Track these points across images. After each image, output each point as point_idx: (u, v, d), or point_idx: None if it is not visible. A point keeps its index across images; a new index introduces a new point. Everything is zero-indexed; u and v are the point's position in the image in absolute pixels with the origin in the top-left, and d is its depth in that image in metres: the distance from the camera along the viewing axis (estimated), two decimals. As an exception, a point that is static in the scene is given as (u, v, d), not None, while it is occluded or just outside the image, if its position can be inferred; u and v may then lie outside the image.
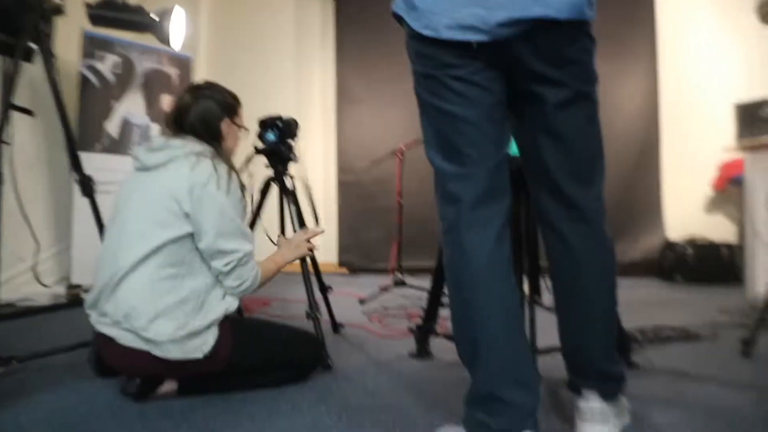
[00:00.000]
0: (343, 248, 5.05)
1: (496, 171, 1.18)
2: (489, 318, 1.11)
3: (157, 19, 3.22)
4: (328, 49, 5.13)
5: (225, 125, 1.75)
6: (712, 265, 3.94)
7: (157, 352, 1.48)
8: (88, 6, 2.99)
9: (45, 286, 3.52)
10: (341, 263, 5.03)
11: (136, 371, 1.59)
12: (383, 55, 4.78)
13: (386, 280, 3.83)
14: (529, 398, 1.10)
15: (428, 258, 4.40)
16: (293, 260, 1.93)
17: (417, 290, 3.50)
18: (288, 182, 2.27)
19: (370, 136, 4.85)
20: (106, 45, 3.97)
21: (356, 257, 5.00)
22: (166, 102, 4.27)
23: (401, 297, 3.43)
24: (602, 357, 1.27)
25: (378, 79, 4.89)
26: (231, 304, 1.62)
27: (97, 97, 3.92)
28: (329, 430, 1.38)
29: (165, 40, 3.26)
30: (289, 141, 2.25)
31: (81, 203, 3.75)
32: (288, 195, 2.25)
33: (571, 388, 1.30)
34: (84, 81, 3.86)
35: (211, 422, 1.44)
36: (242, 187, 1.69)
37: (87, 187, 2.09)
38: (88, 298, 1.63)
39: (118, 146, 3.99)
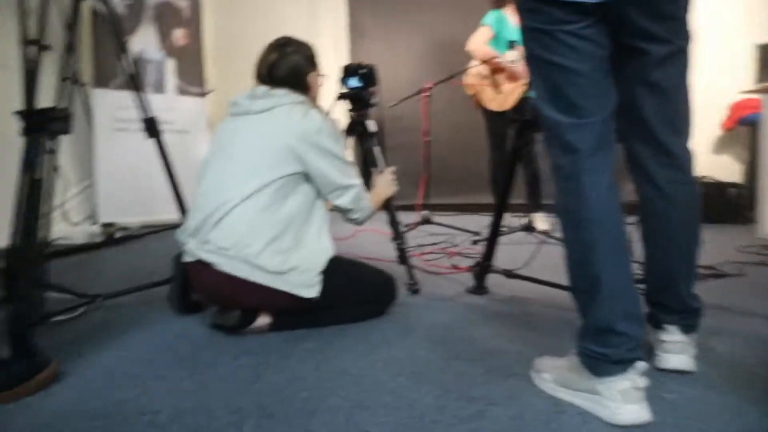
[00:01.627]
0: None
1: (607, 120, 1.24)
2: (609, 258, 1.19)
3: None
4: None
5: (311, 77, 1.87)
6: (720, 205, 4.07)
7: (264, 280, 1.57)
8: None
9: (74, 224, 3.54)
10: (362, 201, 5.09)
11: (231, 300, 1.67)
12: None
13: (410, 217, 3.90)
14: (639, 330, 1.20)
15: (450, 195, 4.53)
16: (389, 196, 2.16)
17: (444, 227, 3.61)
18: (370, 125, 2.37)
19: (387, 71, 4.74)
20: (116, -26, 3.78)
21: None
22: (179, 36, 4.15)
23: (429, 235, 3.52)
24: (687, 293, 1.38)
25: (390, 12, 4.78)
26: (329, 249, 1.74)
27: (109, 32, 3.77)
28: (430, 362, 1.47)
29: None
30: (370, 87, 2.34)
31: (102, 141, 3.71)
32: (372, 136, 2.37)
33: (652, 322, 1.41)
34: (94, 14, 3.71)
35: (317, 354, 1.53)
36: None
37: (153, 129, 2.07)
38: (185, 227, 1.72)
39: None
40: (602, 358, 1.18)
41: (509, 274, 2.13)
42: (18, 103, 1.76)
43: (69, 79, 1.78)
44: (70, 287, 2.04)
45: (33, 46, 2.59)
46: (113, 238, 3.38)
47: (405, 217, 4.04)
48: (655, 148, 1.31)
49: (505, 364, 1.44)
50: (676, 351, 1.36)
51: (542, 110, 1.27)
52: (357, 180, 1.83)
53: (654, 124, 1.29)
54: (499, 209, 2.11)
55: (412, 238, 3.39)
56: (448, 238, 3.35)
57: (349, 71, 2.35)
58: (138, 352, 1.56)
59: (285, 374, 1.40)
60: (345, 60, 4.95)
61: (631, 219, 1.31)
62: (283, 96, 1.74)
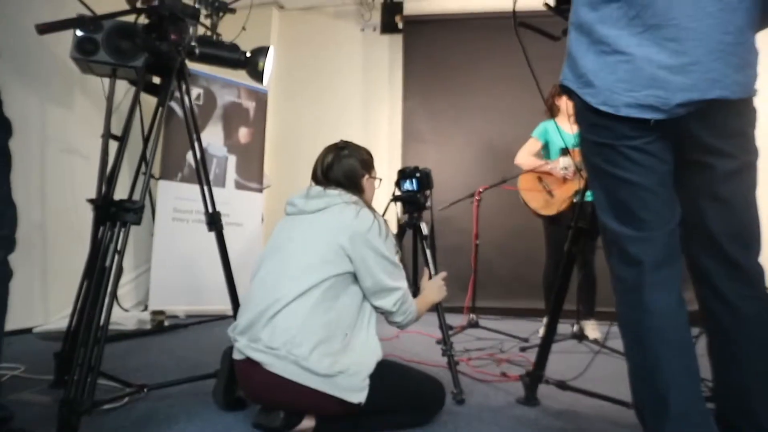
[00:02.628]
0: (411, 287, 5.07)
1: (672, 234, 1.24)
2: (678, 378, 1.14)
3: (250, 56, 3.36)
4: (396, 85, 5.24)
5: (365, 180, 1.94)
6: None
7: (312, 383, 1.54)
8: (187, 43, 3.16)
9: (125, 309, 3.63)
10: (407, 302, 5.05)
11: (277, 401, 1.63)
12: (450, 93, 4.90)
13: (456, 320, 3.83)
14: None
15: (501, 299, 4.46)
16: (438, 302, 2.15)
17: (490, 331, 3.52)
18: (424, 228, 2.43)
19: (436, 175, 4.89)
20: (191, 79, 4.12)
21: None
22: (243, 134, 4.41)
23: (476, 339, 3.43)
24: (766, 418, 1.28)
25: (443, 118, 4.99)
26: (377, 351, 1.71)
27: (180, 127, 4.06)
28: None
29: (258, 77, 3.38)
30: (425, 190, 2.44)
31: (161, 230, 3.88)
32: (424, 239, 2.40)
33: None
34: (170, 112, 4.02)
35: (358, 463, 1.46)
36: (393, 234, 1.88)
37: (216, 223, 2.15)
38: (237, 324, 1.72)
39: (196, 176, 4.11)
40: None
41: (562, 385, 2.03)
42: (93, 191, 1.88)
43: (145, 173, 1.87)
44: (117, 374, 2.06)
45: (114, 140, 2.81)
46: (162, 325, 3.43)
47: (451, 320, 4.00)
48: (723, 262, 1.28)
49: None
50: None
51: (603, 221, 1.28)
52: (403, 283, 1.81)
53: (722, 238, 1.26)
54: (553, 315, 2.05)
55: (459, 342, 3.32)
56: (495, 343, 3.24)
57: (406, 174, 2.45)
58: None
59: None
60: (398, 163, 5.12)
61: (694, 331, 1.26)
62: (337, 196, 1.80)
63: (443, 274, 2.21)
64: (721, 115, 1.17)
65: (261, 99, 4.56)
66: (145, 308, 3.77)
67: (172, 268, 3.86)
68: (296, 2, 5.43)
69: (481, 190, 3.68)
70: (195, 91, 4.14)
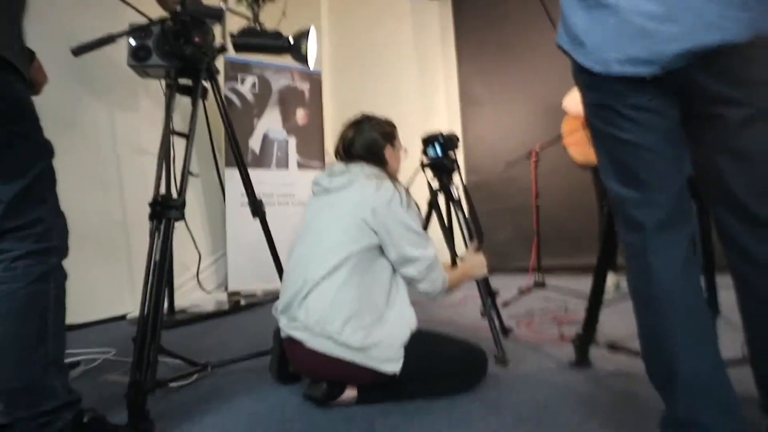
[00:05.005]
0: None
1: (678, 194, 1.17)
2: (685, 346, 1.10)
3: (292, 41, 3.42)
4: (449, 51, 5.14)
5: (388, 151, 1.95)
6: None
7: (348, 356, 1.62)
8: (232, 36, 3.27)
9: (207, 292, 3.91)
10: (473, 264, 5.04)
11: (320, 374, 1.73)
12: (504, 54, 4.74)
13: (523, 280, 3.80)
14: (729, 422, 1.06)
15: (567, 257, 4.35)
16: (477, 278, 2.16)
17: (558, 292, 3.45)
18: (454, 192, 2.44)
19: (495, 136, 4.83)
20: (245, 68, 4.28)
21: (490, 257, 4.97)
22: (301, 116, 4.53)
23: (542, 299, 3.39)
24: None
25: (499, 80, 4.85)
26: (412, 321, 1.73)
27: (240, 116, 4.25)
28: (512, 444, 1.41)
29: (303, 60, 3.45)
30: (450, 153, 2.42)
31: (232, 215, 4.11)
32: (455, 204, 2.42)
33: (764, 408, 1.23)
34: (228, 103, 4.20)
35: (394, 431, 1.53)
36: (416, 204, 1.88)
37: (258, 210, 2.28)
38: (277, 305, 1.83)
39: (260, 160, 4.30)
40: None
41: (613, 346, 1.98)
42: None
43: (188, 171, 1.98)
44: (192, 355, 2.25)
45: (179, 136, 2.96)
46: (239, 305, 3.66)
47: (518, 281, 3.96)
48: (748, 221, 1.15)
49: (591, 452, 1.34)
50: None
51: (607, 184, 1.23)
52: (429, 251, 1.81)
53: (743, 196, 1.14)
54: (599, 271, 1.98)
55: (525, 303, 3.30)
56: (561, 303, 3.18)
57: (428, 141, 2.45)
58: (232, 421, 1.67)
59: (360, 451, 1.42)
60: (459, 128, 5.06)
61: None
62: (359, 171, 1.83)
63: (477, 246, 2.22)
64: (730, 62, 1.04)
65: (315, 80, 4.64)
66: (226, 290, 4.04)
67: (246, 250, 4.09)
68: (343, -23, 5.42)
69: (537, 149, 3.58)
70: (249, 80, 4.29)
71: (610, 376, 1.92)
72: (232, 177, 4.15)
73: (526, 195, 3.83)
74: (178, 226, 3.28)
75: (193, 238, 3.41)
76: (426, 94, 5.25)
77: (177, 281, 3.65)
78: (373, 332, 1.66)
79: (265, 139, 4.34)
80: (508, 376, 1.97)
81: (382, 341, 1.66)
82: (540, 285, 3.56)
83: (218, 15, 2.07)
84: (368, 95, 5.38)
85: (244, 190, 4.09)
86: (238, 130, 4.21)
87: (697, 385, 1.07)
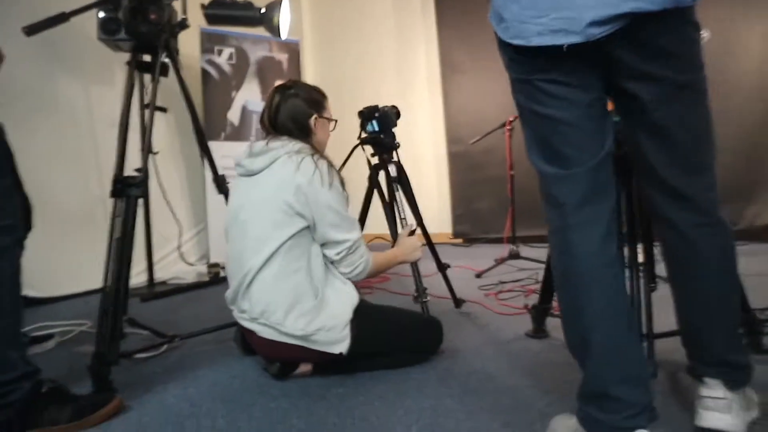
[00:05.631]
0: (457, 218, 5.10)
1: (598, 169, 1.17)
2: (598, 319, 1.13)
3: (264, 11, 3.38)
4: (429, 16, 5.06)
5: (313, 120, 1.84)
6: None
7: (295, 342, 1.66)
8: (203, 6, 3.24)
9: (190, 264, 3.96)
10: (455, 234, 5.10)
11: (275, 357, 1.78)
12: (485, 22, 4.67)
13: (501, 251, 3.85)
14: (640, 395, 1.10)
15: (542, 227, 4.37)
16: (404, 263, 2.09)
17: (532, 262, 3.51)
18: (392, 170, 2.38)
19: (478, 105, 4.80)
20: (222, 39, 4.25)
21: (470, 227, 5.04)
22: (280, 87, 4.52)
23: (517, 270, 3.45)
24: (724, 345, 1.25)
25: (481, 47, 4.78)
26: (353, 298, 1.75)
27: (218, 88, 4.24)
28: (451, 413, 1.47)
29: (275, 32, 3.42)
30: (390, 129, 2.36)
31: (213, 188, 4.12)
32: (394, 182, 2.37)
33: (692, 374, 1.29)
34: (205, 75, 4.18)
35: (345, 400, 1.59)
36: (342, 180, 1.80)
37: (222, 186, 2.30)
38: (227, 295, 1.84)
39: (239, 133, 4.30)
40: (597, 423, 1.11)
41: (567, 317, 2.03)
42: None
43: (144, 150, 2.00)
44: (164, 326, 2.31)
45: (158, 110, 2.96)
46: (218, 276, 3.72)
47: (493, 251, 4.02)
48: (668, 193, 1.21)
49: (526, 420, 1.40)
50: (718, 409, 1.22)
51: (532, 161, 1.24)
52: (351, 234, 1.76)
53: (660, 167, 1.19)
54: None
55: (498, 274, 3.36)
56: (532, 274, 3.24)
57: (365, 115, 2.38)
58: (194, 390, 1.73)
59: (309, 418, 1.48)
60: (439, 97, 5.04)
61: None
62: (280, 148, 1.73)
63: (413, 227, 2.18)
64: (646, 32, 1.05)
65: (293, 50, 4.61)
66: (207, 262, 4.09)
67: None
68: (323, -58, 5.32)
69: (511, 119, 3.58)
70: (227, 51, 4.26)
71: (563, 345, 1.97)
72: (212, 150, 4.17)
73: (503, 167, 3.85)
74: (158, 200, 3.34)
75: (172, 211, 3.45)
76: (407, 62, 5.21)
77: (158, 254, 3.70)
78: (315, 318, 1.67)
79: (244, 111, 4.33)
80: (465, 347, 2.03)
81: (324, 325, 1.67)
82: (515, 256, 3.61)
83: (174, -8, 2.06)
84: (348, 64, 5.34)
85: (224, 163, 4.15)
86: (216, 102, 4.22)
87: (610, 359, 1.11)
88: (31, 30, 1.70)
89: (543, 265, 3.29)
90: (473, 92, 4.90)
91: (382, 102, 2.46)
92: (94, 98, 3.64)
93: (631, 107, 1.17)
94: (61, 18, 1.75)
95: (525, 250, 3.68)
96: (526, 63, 1.16)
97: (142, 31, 1.97)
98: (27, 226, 2.05)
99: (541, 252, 3.79)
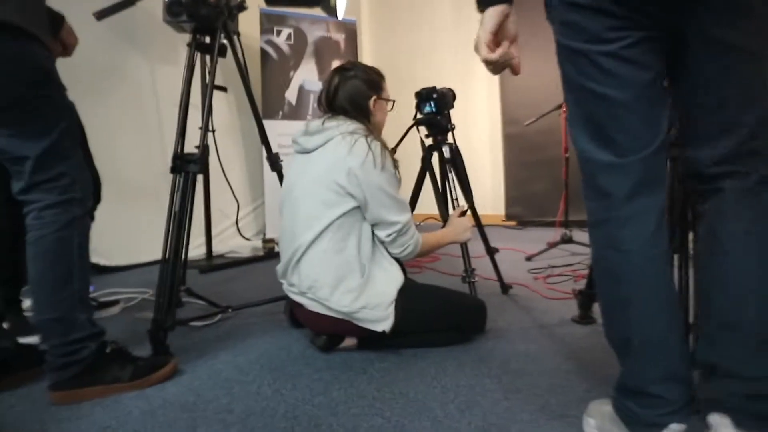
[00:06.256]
0: (510, 200, 5.04)
1: (653, 159, 1.08)
2: (644, 317, 1.08)
3: (322, -8, 3.42)
4: (489, -4, 4.96)
5: (372, 102, 1.87)
6: None
7: (341, 317, 1.72)
8: (262, -13, 3.31)
9: (246, 239, 4.11)
10: (508, 216, 5.04)
11: (321, 330, 1.85)
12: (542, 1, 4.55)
13: (554, 234, 3.80)
14: (681, 393, 1.07)
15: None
16: (454, 243, 2.10)
17: (585, 246, 3.44)
18: (446, 151, 2.38)
19: (534, 85, 4.69)
20: (281, 20, 4.32)
21: (523, 210, 4.97)
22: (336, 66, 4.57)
23: (569, 254, 3.39)
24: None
25: (539, 26, 4.64)
26: (398, 278, 1.79)
27: (276, 68, 4.33)
28: (489, 392, 1.49)
29: (332, 12, 3.45)
30: (446, 111, 2.35)
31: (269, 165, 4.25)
32: (447, 163, 2.37)
33: (706, 407, 1.08)
34: (264, 55, 4.27)
35: (386, 375, 1.64)
36: (394, 161, 1.82)
37: (275, 164, 2.38)
38: (278, 269, 1.92)
39: (296, 112, 4.39)
40: (633, 416, 1.11)
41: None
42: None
43: (203, 128, 2.09)
44: (218, 297, 2.43)
45: (218, 89, 3.07)
46: (272, 251, 3.85)
47: (546, 234, 3.96)
48: (714, 158, 1.07)
49: (563, 403, 1.41)
50: None
51: (575, 141, 1.15)
52: (402, 216, 1.78)
53: (713, 131, 1.06)
54: None
55: (549, 258, 3.32)
56: (583, 259, 3.18)
57: (423, 97, 2.37)
58: (243, 358, 1.83)
59: (349, 391, 1.53)
60: (495, 79, 4.95)
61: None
62: (335, 128, 1.77)
63: (464, 208, 2.19)
64: None
65: (350, 30, 4.63)
66: (263, 237, 4.24)
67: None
68: None
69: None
70: (285, 32, 4.34)
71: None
72: (269, 129, 4.27)
73: (561, 148, 3.77)
74: (218, 175, 3.47)
75: (231, 187, 3.57)
76: (463, 43, 5.13)
77: (216, 228, 3.87)
78: (360, 295, 1.72)
79: (301, 91, 4.41)
80: (509, 329, 2.04)
81: (369, 303, 1.72)
82: (567, 240, 3.55)
83: (234, -25, 2.12)
84: (405, 44, 5.32)
85: (281, 141, 4.26)
86: (274, 82, 4.31)
87: (651, 356, 1.08)
88: (101, 14, 1.80)
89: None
90: (530, 73, 4.73)
91: (439, 83, 2.46)
92: (159, 77, 3.81)
93: (702, 77, 1.04)
94: (129, 2, 1.84)
95: (578, 235, 3.61)
96: (581, 29, 1.05)
97: (202, 14, 2.04)
98: (96, 198, 2.21)
99: (595, 237, 3.71)
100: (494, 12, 1.13)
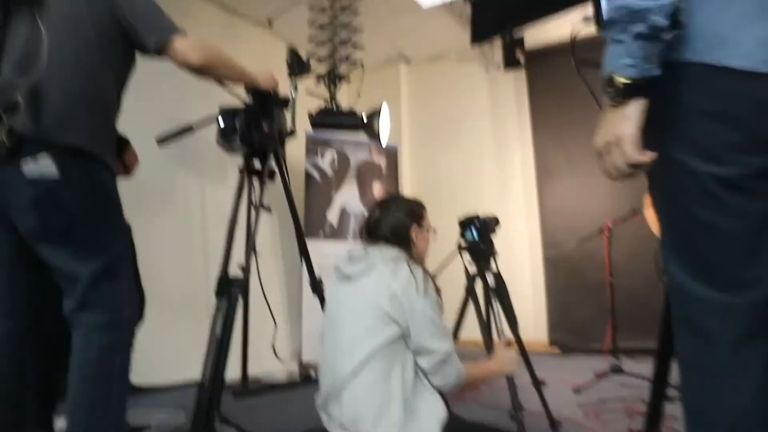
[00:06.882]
0: (553, 326, 4.86)
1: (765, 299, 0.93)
2: None
3: (366, 119, 3.61)
4: (524, 121, 5.16)
5: (414, 231, 1.88)
6: None
7: None
8: (310, 115, 3.52)
9: (282, 361, 4.01)
10: (551, 342, 4.84)
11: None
12: (580, 124, 4.67)
13: (601, 363, 3.60)
14: None
15: (647, 338, 4.06)
16: (499, 375, 2.00)
17: (637, 378, 3.22)
18: (490, 279, 2.35)
19: (573, 209, 4.72)
20: (325, 143, 4.54)
21: (567, 336, 4.77)
22: (378, 189, 4.70)
23: (620, 386, 3.18)
24: None
25: (576, 150, 4.79)
26: (442, 412, 1.68)
27: (319, 189, 4.48)
28: None
29: (375, 138, 3.62)
30: (489, 237, 2.35)
31: (309, 286, 4.25)
32: (491, 291, 2.33)
33: None
34: (308, 176, 4.44)
35: None
36: (437, 288, 1.78)
37: (318, 288, 2.37)
38: (317, 398, 1.83)
39: (337, 233, 4.46)
40: None
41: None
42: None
43: (248, 248, 2.12)
44: (254, 425, 2.33)
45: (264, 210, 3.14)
46: (309, 377, 3.74)
47: (593, 363, 3.75)
48: None
49: None
50: None
51: (668, 269, 1.01)
52: (444, 344, 1.71)
53: None
54: (661, 357, 1.78)
55: (599, 390, 3.11)
56: (637, 392, 2.96)
57: (465, 224, 2.40)
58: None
59: None
60: (535, 200, 5.01)
61: None
62: (377, 255, 1.77)
63: (509, 340, 2.08)
64: None
65: (391, 154, 4.82)
66: (300, 359, 4.13)
67: (321, 320, 4.19)
68: (421, 54, 5.66)
69: (609, 225, 3.46)
70: (329, 154, 4.54)
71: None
72: (310, 248, 4.34)
73: (605, 271, 3.69)
74: (256, 294, 3.48)
75: (269, 307, 3.55)
76: (503, 166, 5.27)
77: (251, 349, 3.79)
78: (403, 429, 1.61)
79: (343, 212, 4.52)
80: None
81: None
82: (617, 370, 3.34)
83: (285, 103, 2.25)
84: (445, 168, 5.48)
85: (321, 261, 4.29)
86: (317, 202, 4.44)
87: None
88: (163, 140, 1.91)
89: (649, 383, 3.05)
90: (569, 196, 4.83)
91: (479, 205, 2.51)
92: (207, 195, 3.97)
93: None
94: (188, 129, 1.96)
95: (628, 364, 3.40)
96: (706, 137, 0.90)
97: (255, 141, 2.15)
98: (140, 316, 2.21)
99: (646, 367, 3.48)
100: (641, 105, 0.95)
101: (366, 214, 4.40)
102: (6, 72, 1.52)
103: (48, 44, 1.50)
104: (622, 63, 0.92)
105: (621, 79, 0.93)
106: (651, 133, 0.95)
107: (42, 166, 1.45)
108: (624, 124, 0.96)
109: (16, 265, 1.60)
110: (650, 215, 3.27)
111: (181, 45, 1.64)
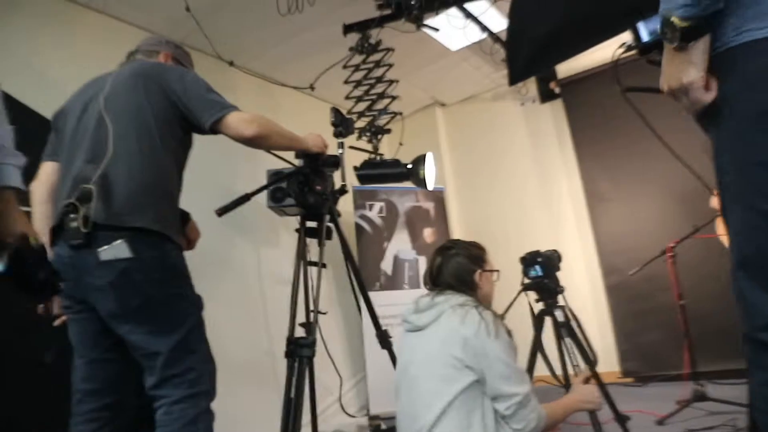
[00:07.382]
0: (623, 355, 4.66)
1: None
2: None
3: (410, 166, 3.66)
4: (568, 151, 5.12)
5: (477, 275, 1.89)
6: None
7: None
8: (355, 168, 3.60)
9: (350, 416, 3.99)
10: (624, 372, 4.64)
11: None
12: (625, 147, 4.62)
13: (680, 390, 3.42)
14: None
15: (730, 360, 3.84)
16: (581, 411, 1.95)
17: (724, 404, 3.04)
18: (559, 314, 2.31)
19: (629, 232, 4.59)
20: (372, 194, 4.62)
21: (640, 364, 4.56)
22: (428, 234, 4.72)
23: (706, 414, 3.00)
24: None
25: (624, 173, 4.71)
26: None
27: (370, 241, 4.53)
28: None
29: (422, 184, 3.66)
30: (553, 273, 2.31)
31: (370, 337, 4.24)
32: (561, 327, 2.29)
33: None
34: (359, 229, 4.51)
35: None
36: (507, 330, 1.78)
37: (385, 341, 2.38)
38: None
39: (393, 282, 4.48)
40: None
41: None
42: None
43: (313, 310, 2.16)
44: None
45: (311, 265, 3.22)
46: (379, 430, 3.69)
47: (672, 390, 3.56)
48: None
49: None
50: None
51: (736, 279, 0.97)
52: (521, 387, 1.68)
53: None
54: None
55: (683, 420, 2.96)
56: (728, 420, 2.80)
57: (528, 261, 2.39)
58: None
59: None
60: (588, 228, 4.91)
61: None
62: (444, 302, 1.78)
63: (588, 375, 2.05)
64: None
65: (438, 197, 4.86)
66: (367, 413, 4.10)
67: (386, 372, 4.14)
68: (455, 96, 5.75)
69: (672, 245, 3.36)
70: (377, 205, 4.61)
71: None
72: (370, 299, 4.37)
73: (669, 294, 3.56)
74: (320, 350, 3.51)
75: (333, 362, 3.57)
76: (551, 197, 5.21)
77: (320, 406, 3.79)
78: None
79: (396, 260, 4.54)
80: None
81: None
82: (700, 397, 3.16)
83: (335, 163, 2.32)
84: (493, 205, 5.46)
85: (381, 312, 4.29)
86: (369, 254, 4.48)
87: None
88: (222, 211, 2.00)
89: (739, 408, 2.88)
90: (622, 220, 4.72)
91: (532, 240, 2.49)
92: (262, 258, 4.08)
93: None
94: (245, 198, 2.05)
95: (712, 389, 3.22)
96: None
97: (310, 202, 2.22)
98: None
99: (733, 391, 3.29)
100: (704, 45, 0.92)
101: (418, 259, 4.45)
102: (78, 163, 1.65)
103: (113, 134, 1.62)
104: (678, 2, 0.89)
105: (678, 21, 0.89)
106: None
107: (116, 248, 1.54)
108: (690, 70, 0.93)
109: (100, 345, 1.68)
110: (721, 230, 3.15)
111: (234, 120, 1.74)
